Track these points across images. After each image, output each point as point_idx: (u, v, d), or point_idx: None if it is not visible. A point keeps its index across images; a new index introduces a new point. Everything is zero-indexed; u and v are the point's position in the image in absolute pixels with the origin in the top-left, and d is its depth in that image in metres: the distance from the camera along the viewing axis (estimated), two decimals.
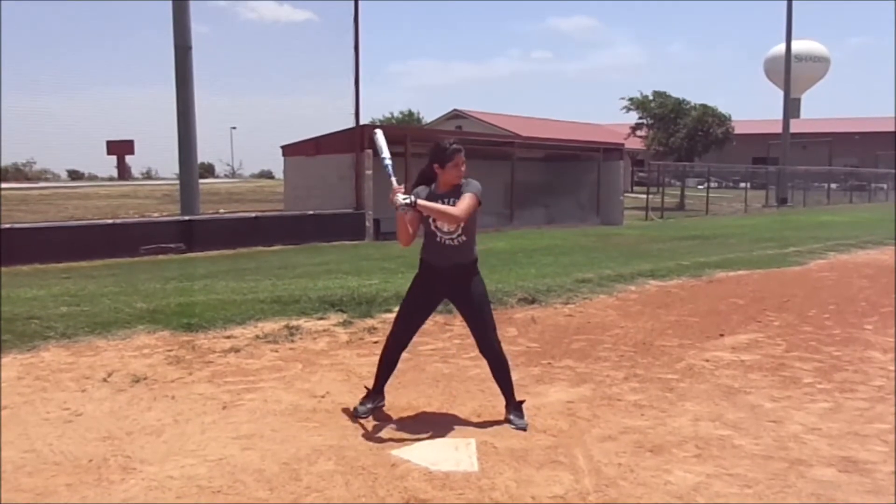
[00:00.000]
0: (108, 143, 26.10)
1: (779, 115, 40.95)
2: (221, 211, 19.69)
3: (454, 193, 3.87)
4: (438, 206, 3.81)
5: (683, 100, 36.71)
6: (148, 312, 6.34)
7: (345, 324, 6.33)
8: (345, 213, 15.68)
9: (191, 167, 15.43)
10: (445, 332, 6.11)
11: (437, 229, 3.91)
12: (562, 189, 22.22)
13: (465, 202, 3.82)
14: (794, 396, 4.63)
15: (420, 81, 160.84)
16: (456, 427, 3.99)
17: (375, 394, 4.18)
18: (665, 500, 3.12)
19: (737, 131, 37.98)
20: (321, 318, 6.47)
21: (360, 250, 13.23)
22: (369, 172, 15.77)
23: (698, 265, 10.57)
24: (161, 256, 12.37)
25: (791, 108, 41.59)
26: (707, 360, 5.49)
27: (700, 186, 37.04)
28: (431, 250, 3.99)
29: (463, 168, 3.91)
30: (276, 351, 5.55)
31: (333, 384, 4.76)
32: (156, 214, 18.69)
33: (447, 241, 3.92)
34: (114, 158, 33.46)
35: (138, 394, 4.50)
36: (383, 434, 3.86)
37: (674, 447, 3.71)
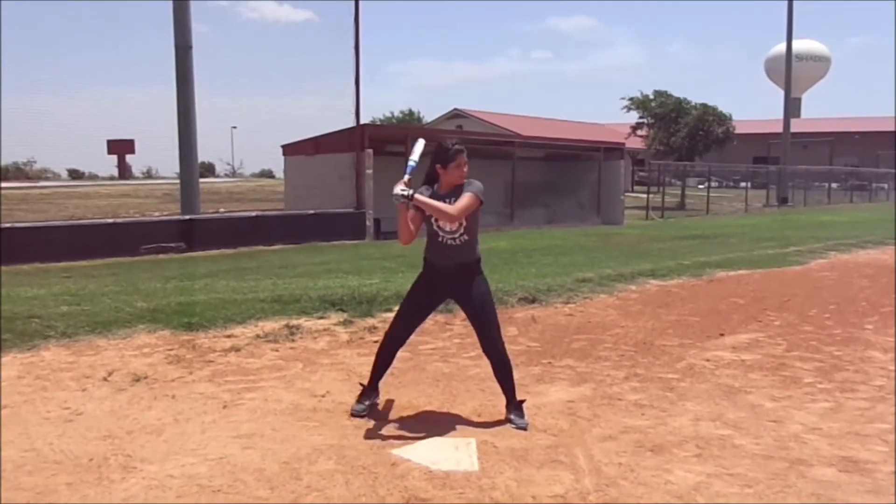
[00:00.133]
0: (109, 142, 26.07)
1: (779, 114, 40.98)
2: (222, 210, 19.69)
3: (456, 193, 3.88)
4: (435, 202, 3.82)
5: (684, 99, 36.72)
6: (148, 312, 6.34)
7: (345, 323, 6.33)
8: (345, 212, 15.69)
9: (191, 166, 15.43)
10: (446, 332, 6.11)
11: (440, 229, 3.91)
12: (562, 189, 22.22)
13: (464, 201, 3.82)
14: (794, 396, 4.63)
15: (420, 81, 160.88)
16: (456, 426, 3.99)
17: (371, 390, 4.19)
18: (665, 500, 3.12)
19: (737, 131, 38.02)
20: (321, 318, 6.47)
21: (361, 250, 13.23)
22: (370, 172, 15.78)
23: (699, 265, 10.57)
24: (161, 256, 12.38)
25: (792, 107, 41.58)
26: (708, 360, 5.49)
27: (701, 186, 37.03)
28: (434, 250, 3.99)
29: (465, 168, 3.91)
30: (277, 350, 5.55)
31: (334, 383, 4.76)
32: (156, 214, 18.70)
33: (449, 241, 3.92)
34: (114, 158, 33.38)
35: (139, 393, 4.50)
36: (384, 433, 3.86)
37: (674, 447, 3.71)
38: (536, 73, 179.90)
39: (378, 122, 45.25)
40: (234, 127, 23.86)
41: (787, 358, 5.59)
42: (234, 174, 46.98)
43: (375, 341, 5.54)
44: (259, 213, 16.28)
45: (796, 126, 44.21)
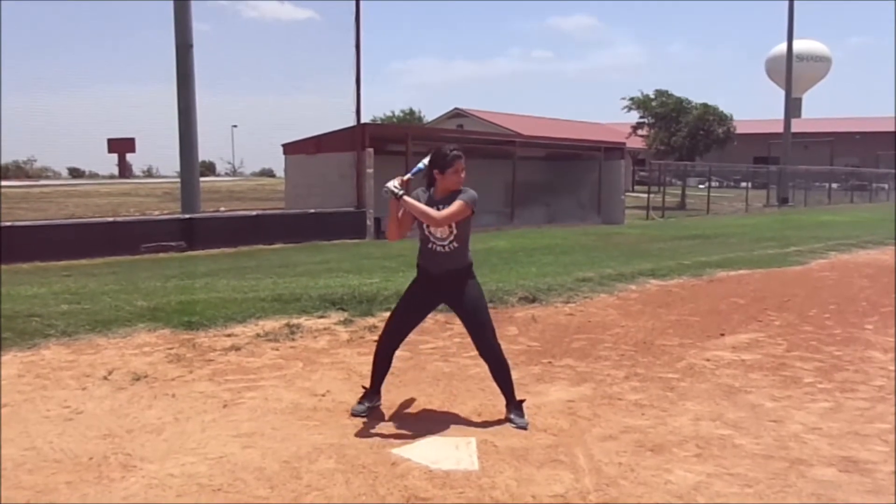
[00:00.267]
0: (109, 140, 26.09)
1: (780, 114, 40.95)
2: (222, 209, 19.69)
3: (451, 199, 3.89)
4: (420, 205, 3.86)
5: (685, 99, 36.69)
6: (149, 310, 6.34)
7: (345, 322, 6.34)
8: (346, 211, 15.68)
9: (192, 165, 15.43)
10: (446, 331, 6.11)
11: (430, 235, 3.94)
12: (563, 188, 22.22)
13: (452, 208, 3.84)
14: (794, 396, 4.63)
15: (421, 80, 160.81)
16: (456, 426, 3.99)
17: (372, 393, 4.19)
18: (665, 500, 3.12)
19: (738, 131, 37.97)
20: (322, 317, 6.47)
21: (361, 249, 13.23)
22: (370, 171, 15.77)
23: (699, 264, 10.57)
24: (162, 254, 12.38)
25: (792, 107, 41.53)
26: (708, 360, 5.49)
27: (701, 186, 37.04)
28: (426, 256, 4.02)
29: (463, 175, 3.92)
30: (277, 349, 5.55)
31: (334, 383, 4.76)
32: (156, 212, 18.70)
33: (438, 248, 3.94)
34: (115, 156, 33.42)
35: (139, 392, 4.50)
36: (384, 433, 3.86)
37: (674, 446, 3.71)
38: (537, 73, 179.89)
39: (379, 122, 45.26)
40: (235, 126, 23.88)
41: (788, 358, 5.59)
42: (234, 173, 47.02)
43: (376, 340, 5.54)
44: (259, 212, 16.29)
45: (797, 126, 44.16)
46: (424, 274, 4.06)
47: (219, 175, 43.65)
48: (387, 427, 3.95)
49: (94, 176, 38.66)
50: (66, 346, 5.39)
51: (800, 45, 46.84)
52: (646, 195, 28.54)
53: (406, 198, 3.83)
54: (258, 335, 5.84)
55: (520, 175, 20.37)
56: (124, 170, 36.67)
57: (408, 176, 3.99)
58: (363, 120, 17.07)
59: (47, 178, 38.26)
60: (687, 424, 4.06)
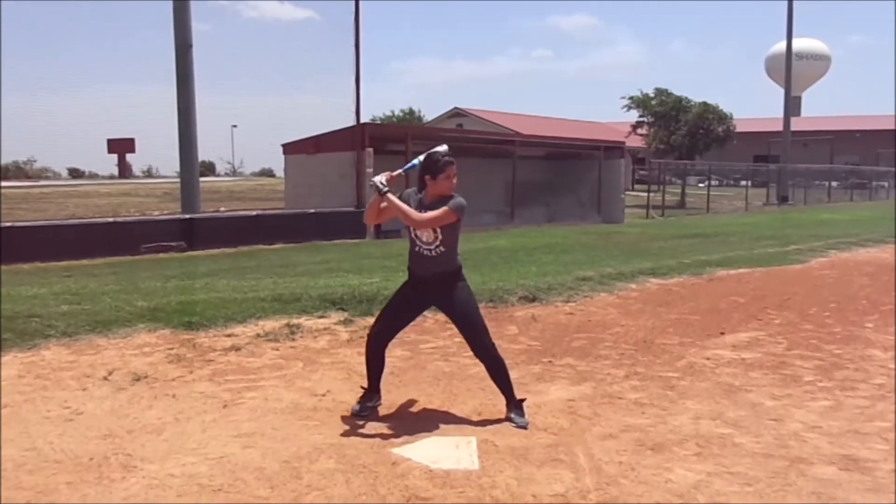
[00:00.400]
0: (109, 141, 26.09)
1: (780, 113, 40.95)
2: (222, 209, 19.69)
3: (440, 205, 3.90)
4: (401, 205, 3.89)
5: (684, 98, 36.68)
6: (149, 311, 6.34)
7: (345, 322, 6.34)
8: (346, 211, 15.68)
9: (191, 165, 15.43)
10: (446, 331, 6.10)
11: (417, 238, 3.97)
12: (563, 187, 22.22)
13: (435, 213, 3.86)
14: (794, 394, 4.63)
15: (421, 79, 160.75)
16: (457, 425, 3.99)
17: (371, 393, 4.19)
18: (666, 499, 3.12)
19: (738, 129, 37.95)
20: (322, 317, 6.47)
21: (361, 248, 13.23)
22: (370, 170, 15.74)
23: (699, 263, 10.56)
24: (162, 255, 12.38)
25: (792, 106, 41.56)
26: (708, 359, 5.49)
27: (701, 184, 37.04)
28: (414, 259, 4.05)
29: (454, 180, 3.93)
30: (277, 349, 5.55)
31: (334, 382, 4.76)
32: (156, 213, 18.70)
33: (425, 252, 3.96)
34: (114, 157, 33.41)
35: (139, 392, 4.50)
36: (384, 432, 3.87)
37: (674, 445, 3.71)
38: (537, 72, 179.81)
39: (378, 121, 45.24)
40: (235, 126, 23.88)
41: (788, 356, 5.59)
42: (234, 173, 47.00)
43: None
44: (259, 212, 16.29)
45: (796, 124, 44.20)
46: (414, 277, 4.09)
47: (219, 175, 43.66)
48: (387, 427, 3.95)
49: (93, 176, 38.66)
50: (67, 347, 5.39)
51: (799, 44, 46.88)
52: (646, 194, 28.55)
53: (389, 195, 3.87)
54: (258, 335, 5.84)
55: (520, 174, 20.38)
56: (124, 170, 36.66)
57: (398, 172, 4.02)
58: (363, 120, 17.08)
59: (47, 178, 38.26)
60: (687, 423, 4.06)
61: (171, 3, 14.74)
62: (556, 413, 4.19)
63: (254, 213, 15.93)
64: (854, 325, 6.74)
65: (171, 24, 14.72)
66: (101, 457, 3.49)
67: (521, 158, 20.67)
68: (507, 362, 4.28)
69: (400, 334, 4.40)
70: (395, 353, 5.28)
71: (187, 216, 14.07)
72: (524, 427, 3.93)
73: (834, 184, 42.28)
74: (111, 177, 36.67)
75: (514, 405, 4.07)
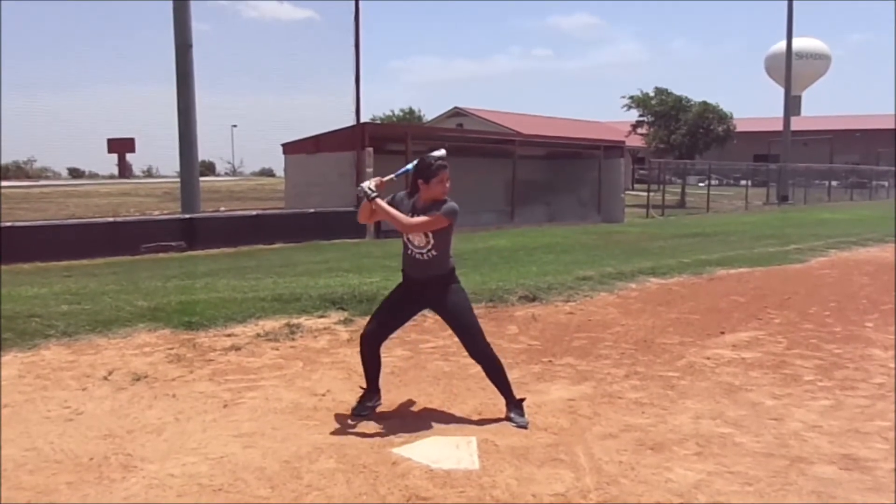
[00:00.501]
0: (109, 140, 26.12)
1: (780, 112, 40.98)
2: (222, 209, 19.69)
3: (433, 209, 3.91)
4: (391, 209, 3.90)
5: (684, 97, 36.67)
6: (149, 311, 6.34)
7: (346, 322, 6.33)
8: (346, 210, 15.64)
9: (191, 165, 15.43)
10: (446, 331, 6.05)
11: (409, 242, 3.98)
12: (563, 187, 22.22)
13: (424, 218, 3.87)
14: (794, 394, 4.63)
15: (421, 78, 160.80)
16: (457, 425, 3.99)
17: (371, 393, 4.19)
18: (666, 498, 3.12)
19: (738, 129, 37.95)
20: (322, 317, 6.47)
21: (361, 248, 13.23)
22: (370, 170, 15.74)
23: (699, 263, 10.56)
24: (162, 255, 12.38)
25: (792, 105, 41.58)
26: (708, 358, 5.49)
27: (701, 184, 37.03)
28: (407, 262, 4.06)
29: (448, 184, 3.93)
30: (277, 349, 5.55)
31: (334, 382, 4.76)
32: (156, 212, 18.70)
33: (417, 255, 3.97)
34: (114, 156, 33.45)
35: (139, 392, 4.50)
36: (384, 432, 3.86)
37: (675, 445, 3.71)
38: (537, 71, 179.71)
39: (378, 121, 45.23)
40: (235, 125, 23.87)
41: (788, 356, 5.59)
42: (234, 173, 46.99)
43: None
44: (259, 211, 16.29)
45: (796, 124, 44.20)
46: (408, 279, 4.10)
47: (219, 175, 43.66)
48: (387, 426, 3.95)
49: (94, 176, 38.68)
50: (67, 347, 5.39)
51: (799, 43, 46.91)
52: (646, 193, 28.55)
53: (378, 200, 3.88)
54: (258, 335, 5.84)
55: (520, 174, 20.37)
56: (124, 170, 36.69)
57: (389, 177, 4.02)
58: (363, 119, 17.08)
59: (47, 178, 38.28)
60: (687, 423, 4.06)
61: (171, 2, 14.74)
62: (556, 413, 4.19)
63: (254, 212, 15.93)
64: (854, 325, 6.73)
65: (171, 23, 14.72)
66: (101, 457, 3.49)
67: (521, 158, 20.67)
68: (508, 362, 4.29)
69: (399, 333, 4.40)
70: (395, 353, 5.29)
71: (187, 216, 14.07)
72: (524, 427, 3.93)
73: (834, 183, 42.27)
74: (111, 177, 36.70)
75: (514, 405, 4.07)
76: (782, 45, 41.65)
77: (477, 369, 4.86)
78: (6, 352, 5.17)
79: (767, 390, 4.69)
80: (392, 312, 4.15)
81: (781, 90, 42.20)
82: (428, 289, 4.02)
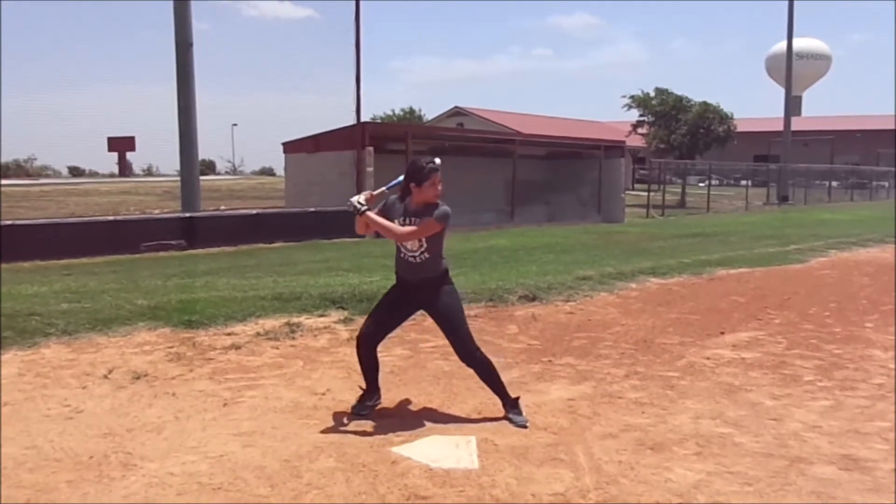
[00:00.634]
0: (109, 139, 26.07)
1: (780, 112, 40.97)
2: (222, 208, 19.69)
3: (425, 212, 3.91)
4: (383, 221, 3.92)
5: (684, 97, 36.66)
6: (149, 309, 6.34)
7: (346, 321, 6.34)
8: (346, 210, 15.56)
9: (192, 164, 15.43)
10: None
11: (402, 245, 3.99)
12: (563, 186, 22.22)
13: (415, 227, 3.89)
14: (794, 394, 4.63)
15: (421, 78, 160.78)
16: (456, 424, 3.99)
17: (371, 392, 4.20)
18: (665, 498, 3.12)
19: (738, 129, 37.91)
20: (322, 316, 6.47)
21: (361, 247, 13.23)
22: (370, 170, 15.77)
23: (699, 263, 10.56)
24: (162, 253, 12.38)
25: (792, 105, 41.55)
26: (708, 358, 5.49)
27: (701, 184, 37.03)
28: (400, 264, 4.07)
29: (440, 187, 3.93)
30: (277, 348, 5.55)
31: (334, 381, 4.77)
32: (157, 211, 18.70)
33: (409, 258, 3.98)
34: (115, 155, 33.40)
35: (139, 391, 4.50)
36: (384, 431, 3.86)
37: (674, 445, 3.71)
38: (537, 71, 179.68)
39: (379, 120, 45.23)
40: (235, 124, 23.90)
41: (788, 356, 5.59)
42: (234, 172, 47.02)
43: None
44: (260, 210, 16.28)
45: (797, 124, 44.17)
46: (401, 280, 4.11)
47: (219, 174, 43.68)
48: (387, 425, 3.95)
49: (94, 174, 38.64)
50: (67, 345, 5.39)
51: (800, 43, 46.89)
52: (646, 193, 28.53)
53: (369, 213, 3.90)
54: (258, 334, 5.84)
55: (520, 173, 20.37)
56: (124, 168, 36.63)
57: (379, 190, 4.05)
58: (363, 118, 17.07)
59: (47, 176, 38.29)
60: (687, 423, 4.06)
61: (171, 2, 14.73)
62: (555, 412, 4.19)
63: (254, 211, 15.92)
64: (854, 325, 6.73)
65: (171, 22, 14.72)
66: (101, 455, 3.49)
67: (521, 157, 20.67)
68: (507, 361, 4.29)
69: (399, 332, 4.40)
70: (395, 352, 5.29)
71: (187, 215, 14.07)
72: (524, 426, 3.93)
73: (834, 183, 42.27)
74: (111, 175, 36.64)
75: (511, 405, 4.07)
76: (783, 45, 41.64)
77: None
78: (6, 350, 5.17)
79: (767, 390, 4.70)
80: (388, 313, 4.15)
81: (782, 90, 42.19)
82: (420, 291, 4.03)
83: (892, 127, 53.70)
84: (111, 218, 13.89)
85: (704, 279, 9.38)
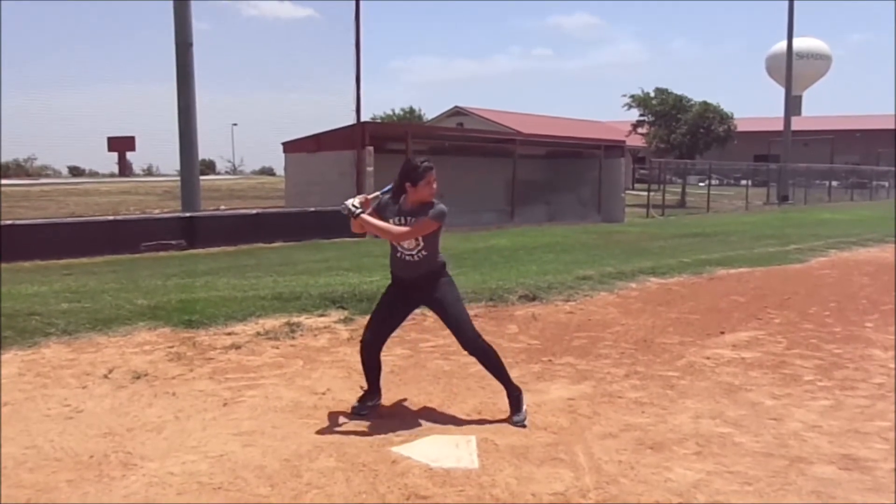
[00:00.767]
0: (110, 139, 26.13)
1: (780, 112, 40.96)
2: (222, 207, 19.69)
3: (420, 211, 3.90)
4: (379, 223, 3.91)
5: (684, 96, 36.66)
6: (149, 309, 6.35)
7: (346, 321, 6.34)
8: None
9: (192, 164, 15.43)
10: (446, 329, 6.08)
11: (398, 245, 3.98)
12: (563, 186, 22.22)
13: (415, 227, 3.88)
14: (794, 394, 4.63)
15: (421, 78, 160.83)
16: (456, 424, 3.99)
17: (371, 393, 4.20)
18: (665, 498, 3.12)
19: (738, 129, 37.91)
20: (322, 315, 6.47)
21: (361, 247, 13.22)
22: (370, 169, 15.77)
23: (699, 262, 10.56)
24: (162, 253, 12.38)
25: (792, 105, 41.55)
26: (708, 358, 5.49)
27: (701, 184, 37.01)
28: (397, 264, 4.06)
29: (435, 185, 3.93)
30: (277, 348, 5.55)
31: (334, 381, 4.77)
32: (157, 211, 18.70)
33: (407, 257, 3.98)
34: (115, 155, 33.48)
35: (139, 390, 4.50)
36: (384, 431, 3.86)
37: (674, 444, 3.71)
38: (537, 71, 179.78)
39: (379, 120, 45.22)
40: (235, 124, 23.93)
41: (788, 356, 5.59)
42: (234, 171, 47.06)
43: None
44: (260, 210, 16.28)
45: (797, 124, 44.16)
46: (397, 279, 4.10)
47: (219, 173, 43.71)
48: (387, 425, 3.95)
49: (94, 174, 38.66)
50: (67, 345, 5.39)
51: (800, 43, 46.91)
52: (646, 193, 28.53)
53: (364, 216, 3.89)
54: (258, 333, 5.84)
55: (520, 173, 20.37)
56: (124, 168, 36.69)
57: (374, 195, 4.04)
58: (363, 118, 17.08)
59: (47, 176, 38.31)
60: (687, 422, 4.06)
61: (171, 2, 14.73)
62: (555, 412, 4.19)
63: (254, 211, 15.91)
64: (854, 325, 6.73)
65: (171, 22, 14.72)
66: (101, 455, 3.49)
67: (521, 157, 20.67)
68: (508, 361, 4.29)
69: (399, 332, 4.40)
70: (395, 352, 5.29)
71: (187, 214, 14.07)
72: (523, 425, 3.93)
73: (834, 183, 42.27)
74: (111, 175, 36.67)
75: (513, 396, 4.05)
76: (783, 45, 41.64)
77: (477, 368, 4.87)
78: (6, 350, 5.17)
79: (767, 390, 4.69)
80: (388, 314, 4.14)
81: (782, 90, 42.18)
82: (419, 286, 4.02)
83: (892, 127, 53.72)
84: (111, 218, 13.88)
85: (704, 279, 9.38)
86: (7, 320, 5.70)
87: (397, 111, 63.42)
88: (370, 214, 3.95)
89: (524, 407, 4.07)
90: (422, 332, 5.98)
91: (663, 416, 4.17)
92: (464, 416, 4.12)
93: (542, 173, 22.90)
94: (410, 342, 5.68)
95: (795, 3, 37.30)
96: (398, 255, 4.01)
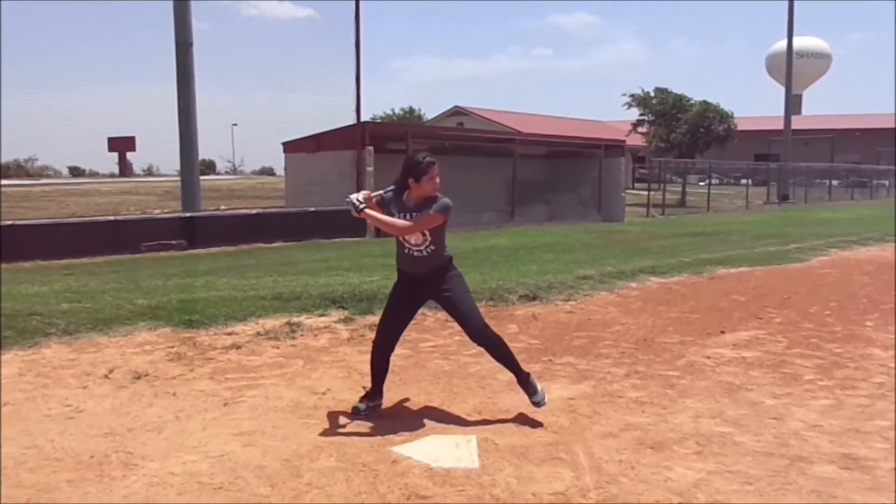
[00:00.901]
0: (110, 139, 26.15)
1: (780, 111, 40.97)
2: (223, 208, 19.69)
3: (424, 206, 3.91)
4: (383, 218, 3.92)
5: (684, 96, 36.66)
6: (149, 309, 6.35)
7: (346, 320, 6.34)
8: (346, 209, 15.51)
9: (192, 164, 15.44)
10: (446, 329, 6.11)
11: (405, 241, 3.98)
12: (563, 186, 22.23)
13: (420, 219, 3.88)
14: (794, 393, 4.63)
15: (421, 78, 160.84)
16: (457, 424, 3.99)
17: (373, 393, 4.20)
18: (666, 497, 3.12)
19: (738, 128, 37.92)
20: (322, 315, 6.47)
21: (361, 247, 13.23)
22: (370, 169, 15.78)
23: (700, 262, 10.56)
24: (162, 253, 12.39)
25: (792, 104, 41.54)
26: (708, 357, 5.49)
27: (701, 183, 37.01)
28: (404, 260, 4.06)
29: (437, 180, 3.93)
30: (278, 348, 5.56)
31: (334, 381, 4.77)
32: (157, 211, 18.70)
33: (416, 253, 3.98)
34: (115, 155, 33.48)
35: (139, 390, 4.50)
36: (384, 431, 3.86)
37: (674, 444, 3.71)
38: (537, 71, 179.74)
39: (379, 120, 45.23)
40: (235, 124, 23.95)
41: (788, 355, 5.59)
42: (234, 171, 47.06)
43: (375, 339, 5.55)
44: (260, 210, 16.29)
45: (797, 123, 44.15)
46: (404, 276, 4.10)
47: (219, 173, 43.72)
48: (387, 425, 3.95)
49: (94, 174, 38.67)
50: (67, 345, 5.39)
51: (800, 42, 46.88)
52: (646, 192, 28.53)
53: (367, 211, 3.90)
54: (259, 333, 5.84)
55: (520, 173, 20.38)
56: (125, 168, 36.68)
57: (377, 193, 4.04)
58: (363, 118, 17.10)
59: (48, 176, 38.29)
60: (687, 422, 4.06)
61: (171, 2, 14.74)
62: (556, 411, 4.19)
63: (254, 211, 15.92)
64: (854, 324, 6.73)
65: (171, 22, 14.73)
66: (101, 455, 3.49)
67: (521, 157, 20.67)
68: None
69: None
70: (395, 352, 5.26)
71: (188, 214, 14.08)
72: (542, 404, 3.98)
73: (834, 182, 42.27)
74: (112, 175, 36.68)
75: (524, 381, 4.06)
76: (783, 44, 41.62)
77: (477, 368, 4.88)
78: (7, 350, 5.17)
79: (767, 389, 4.69)
80: (397, 315, 4.13)
81: (782, 89, 42.16)
82: (428, 280, 4.02)
83: (893, 126, 53.70)
84: (111, 218, 13.89)
85: (705, 278, 9.38)
86: (7, 320, 5.70)
87: (397, 111, 63.46)
88: (374, 210, 3.95)
89: (539, 387, 4.07)
90: (422, 332, 5.99)
91: (663, 415, 4.17)
92: (464, 416, 4.12)
93: (542, 173, 22.90)
94: (410, 342, 5.68)
95: (795, 3, 37.34)
96: (406, 251, 4.00)
